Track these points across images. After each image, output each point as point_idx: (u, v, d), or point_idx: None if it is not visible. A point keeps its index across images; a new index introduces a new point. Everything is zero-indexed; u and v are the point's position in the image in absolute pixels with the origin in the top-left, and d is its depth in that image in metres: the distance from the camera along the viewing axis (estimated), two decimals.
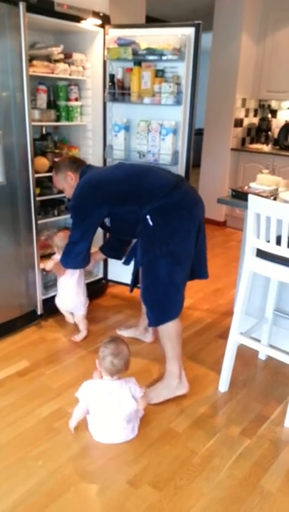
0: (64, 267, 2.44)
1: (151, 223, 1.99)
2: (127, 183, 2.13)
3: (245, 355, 2.44)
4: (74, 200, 2.21)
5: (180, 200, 2.03)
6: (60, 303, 2.68)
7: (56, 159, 2.49)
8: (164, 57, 2.63)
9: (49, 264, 2.58)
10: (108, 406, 1.80)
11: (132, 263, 2.33)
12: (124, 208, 2.12)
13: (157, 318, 2.06)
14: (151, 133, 2.83)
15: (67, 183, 2.34)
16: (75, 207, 2.21)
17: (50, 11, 2.36)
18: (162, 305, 2.05)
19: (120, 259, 2.56)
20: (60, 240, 2.51)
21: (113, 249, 2.63)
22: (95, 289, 3.11)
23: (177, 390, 2.11)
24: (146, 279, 2.06)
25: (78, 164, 2.34)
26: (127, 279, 2.58)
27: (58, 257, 2.50)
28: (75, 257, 2.33)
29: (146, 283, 2.07)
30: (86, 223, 2.22)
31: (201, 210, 2.10)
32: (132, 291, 2.50)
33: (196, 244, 2.08)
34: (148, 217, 2.00)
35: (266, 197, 2.09)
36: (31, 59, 2.52)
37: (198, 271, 2.18)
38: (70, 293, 2.58)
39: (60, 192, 2.60)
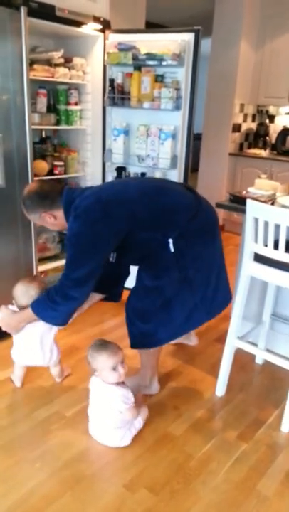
0: (44, 320, 1.86)
1: (172, 249, 1.78)
2: (147, 205, 1.78)
3: (242, 360, 2.44)
4: (79, 226, 1.70)
5: (204, 224, 1.87)
6: (17, 356, 2.10)
7: (24, 191, 1.86)
8: (163, 63, 2.66)
9: None
10: (98, 405, 1.82)
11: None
12: (141, 236, 1.79)
13: (143, 342, 1.96)
14: (150, 137, 2.84)
15: (45, 223, 1.88)
16: (81, 234, 1.70)
17: (51, 16, 2.39)
18: (154, 331, 1.92)
19: (117, 298, 2.21)
20: (22, 293, 1.94)
21: (109, 286, 2.14)
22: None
23: (145, 390, 2.12)
24: (145, 303, 1.90)
25: (52, 197, 1.80)
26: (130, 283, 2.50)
27: (11, 308, 1.99)
28: (67, 307, 1.80)
29: (145, 306, 1.91)
30: (98, 256, 1.74)
31: (218, 224, 1.97)
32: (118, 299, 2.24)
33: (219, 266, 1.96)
34: (170, 241, 1.78)
35: (264, 202, 2.10)
36: (32, 63, 2.54)
37: (224, 294, 2.02)
38: (35, 345, 2.02)
39: None
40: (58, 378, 2.23)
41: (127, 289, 2.62)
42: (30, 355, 2.07)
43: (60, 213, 1.81)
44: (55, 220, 1.84)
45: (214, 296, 1.97)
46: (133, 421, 1.86)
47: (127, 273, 2.18)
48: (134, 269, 2.05)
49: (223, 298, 2.04)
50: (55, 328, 2.02)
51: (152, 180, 2.03)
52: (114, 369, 1.75)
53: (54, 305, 1.79)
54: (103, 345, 1.80)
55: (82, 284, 1.76)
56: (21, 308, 1.95)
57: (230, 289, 2.08)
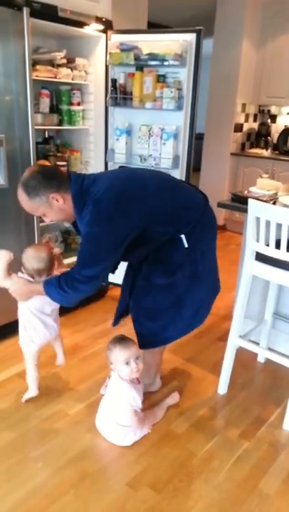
0: (52, 299, 1.81)
1: (186, 245, 1.78)
2: (162, 199, 1.75)
3: (244, 358, 2.45)
4: (99, 223, 1.64)
5: (210, 220, 1.89)
6: (28, 340, 2.01)
7: (25, 174, 1.72)
8: (165, 63, 2.67)
9: (5, 282, 1.87)
10: (109, 398, 1.85)
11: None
12: (155, 230, 1.74)
13: (152, 342, 1.96)
14: (152, 137, 2.85)
15: (51, 208, 1.73)
16: (101, 232, 1.64)
17: (53, 16, 2.39)
18: (164, 329, 1.92)
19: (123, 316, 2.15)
20: (32, 257, 1.88)
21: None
22: (95, 292, 3.11)
23: (148, 387, 2.12)
24: (155, 301, 1.89)
25: (59, 178, 1.71)
26: (118, 279, 2.35)
27: (22, 275, 1.91)
28: (75, 297, 1.78)
29: (155, 305, 1.89)
30: (115, 254, 1.70)
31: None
32: (116, 324, 2.17)
33: None
34: (183, 237, 1.76)
35: (266, 201, 2.11)
36: (34, 63, 2.55)
37: (214, 287, 2.05)
38: (41, 317, 1.99)
39: None
40: (61, 360, 2.18)
41: (116, 284, 2.51)
42: (37, 334, 1.99)
43: (68, 197, 1.70)
44: (63, 203, 1.70)
45: (212, 290, 2.02)
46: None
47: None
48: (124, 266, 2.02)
49: (216, 290, 2.07)
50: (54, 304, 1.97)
51: (164, 175, 1.97)
52: (127, 363, 1.77)
53: (62, 292, 1.74)
54: (120, 338, 1.83)
55: (92, 280, 1.72)
56: (29, 272, 1.88)
57: (219, 281, 2.09)
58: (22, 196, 1.71)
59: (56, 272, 1.92)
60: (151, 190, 1.76)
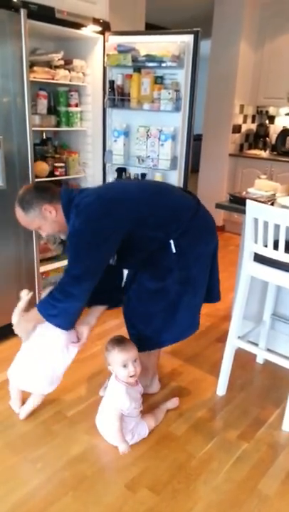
0: (45, 318, 1.79)
1: (174, 250, 1.78)
2: (148, 203, 1.78)
3: (243, 359, 2.45)
4: (80, 223, 1.68)
5: (204, 223, 1.88)
6: (13, 374, 1.96)
7: (21, 191, 1.80)
8: (163, 64, 2.67)
9: (14, 318, 1.92)
10: (107, 398, 1.85)
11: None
12: (144, 235, 1.77)
13: (146, 345, 1.95)
14: (150, 138, 2.85)
15: (45, 220, 1.78)
16: (81, 230, 1.68)
17: (50, 18, 2.39)
18: (158, 333, 1.92)
19: (116, 303, 2.07)
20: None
21: (106, 291, 2.01)
22: None
23: (145, 389, 2.11)
24: (148, 306, 1.90)
25: (51, 192, 1.79)
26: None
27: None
28: (66, 305, 1.75)
29: (148, 309, 1.90)
30: (97, 252, 1.71)
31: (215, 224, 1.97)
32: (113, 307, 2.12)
33: (211, 267, 1.96)
34: (172, 242, 1.77)
35: (264, 202, 2.11)
36: (32, 65, 2.55)
37: (210, 293, 2.02)
38: (36, 364, 1.89)
39: None
40: (24, 414, 1.98)
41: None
42: (32, 373, 1.91)
43: (60, 209, 1.77)
44: (56, 215, 1.77)
45: (208, 295, 2.01)
46: (136, 429, 1.86)
47: (122, 277, 2.14)
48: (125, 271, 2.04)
49: (211, 297, 2.05)
50: (69, 358, 1.93)
51: (151, 181, 2.00)
52: (125, 366, 1.77)
53: (54, 302, 1.76)
54: (119, 340, 1.82)
55: (79, 281, 1.72)
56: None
57: (219, 290, 2.08)
58: (18, 212, 1.80)
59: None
60: (134, 194, 1.80)
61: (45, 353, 1.89)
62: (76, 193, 1.80)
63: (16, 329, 1.93)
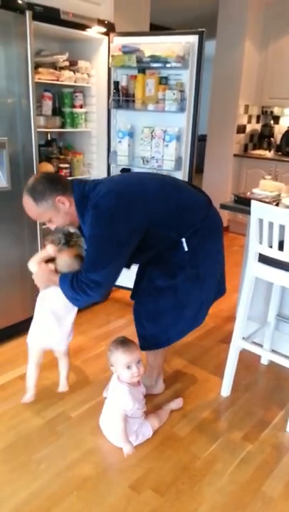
0: (65, 295, 1.81)
1: (186, 248, 1.78)
2: (163, 202, 1.76)
3: (247, 360, 2.44)
4: (100, 226, 1.65)
5: (215, 221, 1.88)
6: (35, 337, 2.03)
7: (30, 181, 1.75)
8: (168, 65, 2.67)
9: (33, 267, 1.95)
10: (110, 399, 1.85)
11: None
12: (158, 234, 1.75)
13: (154, 344, 1.96)
14: (155, 139, 2.85)
15: (57, 212, 1.74)
16: (102, 235, 1.66)
17: (55, 19, 2.40)
18: (166, 331, 1.93)
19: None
20: (63, 265, 1.90)
21: None
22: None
23: (150, 389, 2.12)
24: (157, 303, 1.90)
25: (63, 182, 1.75)
26: (131, 283, 2.50)
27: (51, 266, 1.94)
28: (85, 299, 1.78)
29: (157, 306, 1.90)
30: (118, 258, 1.70)
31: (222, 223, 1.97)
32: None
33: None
34: (183, 241, 1.77)
35: (269, 203, 2.10)
36: (37, 66, 2.55)
37: (218, 288, 2.04)
38: (56, 321, 1.99)
39: None
40: (64, 386, 2.16)
41: (120, 287, 2.56)
42: (47, 335, 2.01)
43: (73, 200, 1.73)
44: (69, 206, 1.72)
45: (215, 292, 2.01)
46: (139, 430, 1.86)
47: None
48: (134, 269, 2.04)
49: (219, 291, 2.06)
50: (73, 312, 2.00)
51: (166, 177, 1.96)
52: (128, 367, 1.77)
53: (75, 293, 1.76)
54: (123, 341, 1.82)
55: (100, 286, 1.72)
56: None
57: (225, 283, 2.10)
58: (28, 203, 1.72)
59: None
60: (151, 193, 1.76)
61: (59, 310, 1.96)
62: (89, 187, 1.74)
63: (35, 278, 1.93)
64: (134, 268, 2.03)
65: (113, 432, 1.84)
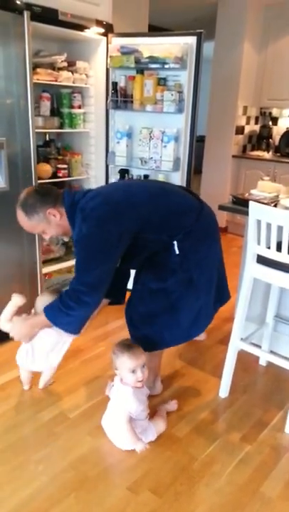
0: (57, 326, 1.80)
1: (177, 252, 1.77)
2: (153, 207, 1.76)
3: (245, 361, 2.44)
4: (88, 227, 1.65)
5: (208, 223, 1.87)
6: (23, 360, 2.05)
7: (22, 195, 1.78)
8: (166, 66, 2.67)
9: (6, 325, 1.91)
10: (113, 400, 1.86)
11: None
12: (148, 238, 1.75)
13: (147, 346, 1.92)
14: (153, 140, 2.85)
15: (49, 224, 1.77)
16: (90, 235, 1.65)
17: (54, 20, 2.40)
18: (160, 334, 1.92)
19: (119, 300, 2.14)
20: (44, 303, 1.85)
21: (113, 290, 1.97)
22: None
23: (148, 390, 2.10)
24: (150, 306, 1.89)
25: (54, 194, 1.76)
26: (130, 285, 2.49)
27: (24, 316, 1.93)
28: (81, 312, 1.75)
29: (150, 309, 1.90)
30: (109, 258, 1.69)
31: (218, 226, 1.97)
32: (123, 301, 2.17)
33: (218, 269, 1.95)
34: (175, 244, 1.77)
35: (267, 204, 2.10)
36: (35, 67, 2.55)
37: (221, 293, 2.02)
38: (45, 351, 2.00)
39: None
40: (43, 385, 2.18)
41: (127, 290, 2.55)
42: (37, 362, 2.04)
43: (63, 212, 1.75)
44: (60, 218, 1.75)
45: (215, 298, 1.99)
46: (143, 433, 1.85)
47: (129, 275, 2.17)
48: (132, 271, 2.04)
49: (222, 298, 2.05)
50: (69, 341, 2.01)
51: (155, 181, 1.97)
52: (133, 371, 1.76)
53: (68, 310, 1.73)
54: (128, 346, 1.81)
55: (95, 289, 1.71)
56: None
57: (228, 289, 2.08)
58: (21, 216, 1.77)
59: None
60: (140, 197, 1.77)
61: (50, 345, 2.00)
62: (79, 195, 1.77)
63: (16, 336, 1.91)
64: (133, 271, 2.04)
65: (118, 434, 1.84)
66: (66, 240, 1.95)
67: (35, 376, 2.24)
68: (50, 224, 1.77)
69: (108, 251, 1.68)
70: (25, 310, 1.99)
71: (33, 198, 1.74)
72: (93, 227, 1.65)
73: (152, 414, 1.98)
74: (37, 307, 1.95)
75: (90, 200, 1.70)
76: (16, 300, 1.93)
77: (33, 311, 1.98)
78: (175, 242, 1.78)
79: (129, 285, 2.16)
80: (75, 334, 1.84)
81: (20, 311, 1.94)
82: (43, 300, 1.90)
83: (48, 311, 1.79)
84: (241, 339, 2.12)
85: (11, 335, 1.90)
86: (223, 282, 2.05)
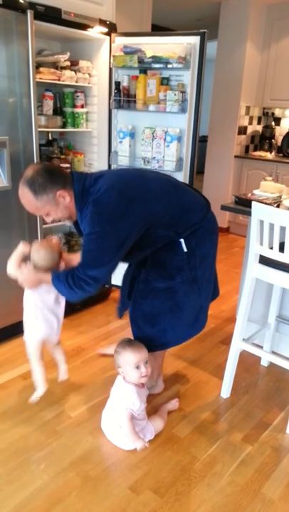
0: (60, 293, 1.84)
1: (185, 249, 1.79)
2: (164, 202, 1.74)
3: (247, 362, 2.44)
4: (100, 223, 1.63)
5: (212, 224, 1.89)
6: (32, 331, 2.02)
7: (29, 172, 1.68)
8: (169, 66, 2.67)
9: (14, 270, 1.89)
10: (113, 400, 1.86)
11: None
12: (157, 233, 1.75)
13: (150, 346, 1.90)
14: (156, 140, 2.85)
15: (56, 206, 1.70)
16: (102, 232, 1.63)
17: (57, 19, 2.40)
18: (164, 334, 1.91)
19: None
20: (46, 257, 1.87)
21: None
22: (98, 294, 3.12)
23: (151, 390, 2.11)
24: (154, 305, 1.89)
25: (63, 176, 1.70)
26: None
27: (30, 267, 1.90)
28: (82, 295, 1.77)
29: (154, 309, 1.89)
30: (117, 255, 1.69)
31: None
32: (121, 315, 2.19)
33: None
34: (182, 241, 1.78)
35: (269, 204, 2.10)
36: (38, 66, 2.55)
37: (212, 292, 2.03)
38: (49, 313, 1.99)
39: None
40: (65, 373, 2.17)
41: (119, 287, 2.53)
42: (43, 328, 1.99)
43: (72, 195, 1.69)
44: (69, 200, 1.69)
45: (212, 295, 2.02)
46: (141, 432, 1.85)
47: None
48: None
49: (213, 294, 2.06)
50: (63, 302, 2.00)
51: (167, 176, 1.92)
52: (137, 367, 1.77)
53: (70, 290, 1.74)
54: (130, 342, 1.83)
55: (98, 281, 1.72)
56: (38, 269, 1.87)
57: (218, 285, 2.09)
58: (27, 195, 1.67)
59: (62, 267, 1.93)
60: (153, 192, 1.74)
61: (49, 303, 1.96)
62: (89, 180, 1.71)
63: (24, 282, 1.88)
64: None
65: (118, 434, 1.84)
66: (69, 224, 1.92)
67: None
68: (57, 206, 1.70)
69: (117, 248, 1.67)
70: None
71: (42, 178, 1.64)
72: (106, 225, 1.62)
73: (153, 413, 1.98)
74: (33, 260, 1.88)
75: (103, 194, 1.64)
76: (21, 247, 1.90)
77: (28, 262, 1.92)
78: (182, 240, 1.78)
79: (121, 282, 2.16)
80: (71, 301, 1.89)
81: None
82: (40, 254, 1.87)
83: (55, 281, 1.78)
84: (243, 340, 2.12)
85: (19, 280, 1.88)
86: (216, 279, 2.07)
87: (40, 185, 1.64)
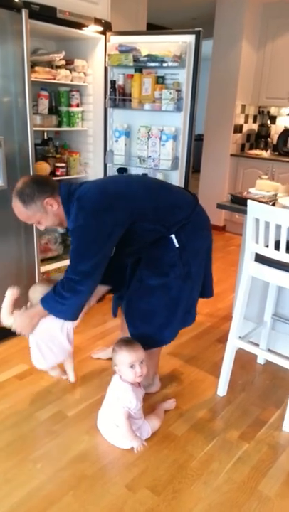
0: (54, 315, 1.84)
1: (177, 244, 1.81)
2: (149, 198, 1.80)
3: (243, 360, 2.45)
4: (84, 217, 1.68)
5: (202, 219, 1.91)
6: (43, 361, 2.02)
7: (19, 184, 1.76)
8: (164, 64, 2.67)
9: (8, 320, 1.91)
10: (109, 399, 1.86)
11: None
12: (144, 227, 1.79)
13: (147, 344, 1.91)
14: (151, 138, 2.85)
15: (46, 213, 1.77)
16: (86, 226, 1.68)
17: (52, 18, 2.39)
18: (160, 332, 1.94)
19: (118, 288, 2.14)
20: (39, 293, 1.88)
21: (113, 277, 2.04)
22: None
23: (147, 388, 2.12)
24: (150, 303, 1.90)
25: (50, 184, 1.78)
26: None
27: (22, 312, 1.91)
28: (75, 300, 1.78)
29: (150, 306, 1.90)
30: (104, 248, 1.72)
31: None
32: (116, 315, 2.25)
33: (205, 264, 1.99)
34: (173, 237, 1.81)
35: (265, 202, 2.10)
36: (33, 65, 2.55)
37: (204, 289, 2.05)
38: (57, 339, 1.98)
39: None
40: (73, 377, 2.22)
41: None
42: (56, 353, 2.02)
43: (60, 201, 1.77)
44: (57, 207, 1.76)
45: (203, 291, 2.03)
46: (138, 431, 1.85)
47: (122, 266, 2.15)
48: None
49: (206, 294, 2.07)
50: (67, 324, 1.98)
51: (153, 178, 2.00)
52: (132, 367, 1.77)
53: (62, 299, 1.77)
54: (126, 341, 1.84)
55: (88, 277, 1.74)
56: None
57: (212, 286, 2.10)
58: (18, 205, 1.76)
59: None
60: (136, 189, 1.80)
61: (50, 333, 1.96)
62: (75, 185, 1.79)
63: (18, 329, 1.91)
64: None
65: (115, 433, 1.84)
66: (61, 230, 1.96)
67: (31, 374, 2.25)
68: (47, 214, 1.77)
69: (103, 241, 1.71)
70: (24, 304, 2.00)
71: (30, 188, 1.73)
72: (89, 218, 1.68)
73: (150, 412, 1.98)
74: (31, 299, 1.96)
75: (87, 191, 1.73)
76: (11, 293, 1.94)
77: (29, 304, 1.99)
78: (173, 236, 1.81)
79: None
80: (73, 320, 1.89)
81: (20, 305, 1.95)
82: (36, 291, 1.93)
83: (44, 302, 1.83)
84: (239, 338, 2.12)
85: (13, 328, 1.91)
86: (210, 279, 2.08)
87: (29, 195, 1.72)
